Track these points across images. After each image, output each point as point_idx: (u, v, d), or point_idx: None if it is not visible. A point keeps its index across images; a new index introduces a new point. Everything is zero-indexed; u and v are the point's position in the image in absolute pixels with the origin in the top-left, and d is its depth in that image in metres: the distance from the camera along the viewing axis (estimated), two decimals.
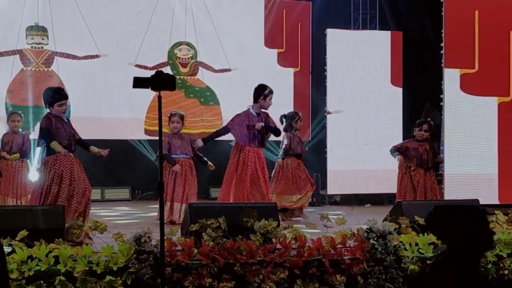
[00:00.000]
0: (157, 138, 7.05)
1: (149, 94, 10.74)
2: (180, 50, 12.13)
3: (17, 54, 11.32)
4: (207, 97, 12.23)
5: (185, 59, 12.17)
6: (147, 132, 11.68)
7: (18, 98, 11.29)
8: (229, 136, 8.53)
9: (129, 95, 11.02)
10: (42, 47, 11.42)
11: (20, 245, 4.42)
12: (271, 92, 8.00)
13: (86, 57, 11.51)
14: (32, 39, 11.38)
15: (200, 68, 12.21)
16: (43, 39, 11.41)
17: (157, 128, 4.74)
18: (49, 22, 11.35)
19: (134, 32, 11.71)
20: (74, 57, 11.50)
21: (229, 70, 12.17)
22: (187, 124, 11.99)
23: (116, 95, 11.43)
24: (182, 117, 8.47)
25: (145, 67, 11.64)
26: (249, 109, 8.14)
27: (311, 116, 12.54)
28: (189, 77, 12.15)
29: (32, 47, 11.39)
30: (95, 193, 11.75)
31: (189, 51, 12.16)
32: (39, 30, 11.38)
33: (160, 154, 4.20)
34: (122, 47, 11.65)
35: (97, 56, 11.52)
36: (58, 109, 6.47)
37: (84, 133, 11.23)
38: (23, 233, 4.52)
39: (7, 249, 4.34)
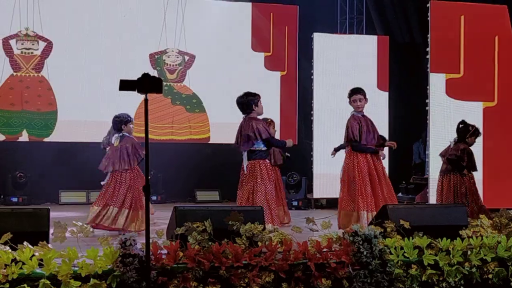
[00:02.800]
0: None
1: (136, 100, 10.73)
2: (168, 57, 12.11)
3: (7, 58, 11.28)
4: (193, 104, 12.22)
5: (173, 65, 12.15)
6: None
7: (7, 103, 11.24)
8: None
9: (119, 99, 10.98)
10: (32, 53, 11.38)
11: (3, 248, 4.39)
12: (259, 96, 7.88)
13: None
14: (22, 44, 11.33)
15: (187, 74, 12.18)
16: (33, 44, 11.37)
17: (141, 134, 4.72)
18: (39, 27, 11.31)
19: (123, 37, 11.67)
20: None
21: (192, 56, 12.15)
22: (174, 130, 12.02)
23: (106, 99, 11.34)
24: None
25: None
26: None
27: (298, 120, 12.57)
28: (176, 84, 12.14)
29: (22, 52, 11.34)
30: (81, 196, 11.76)
31: (177, 57, 12.14)
32: (28, 35, 11.34)
33: (146, 158, 4.18)
34: (110, 54, 11.60)
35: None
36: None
37: (72, 137, 11.33)
38: (6, 236, 4.48)
39: None
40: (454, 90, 9.88)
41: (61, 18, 11.46)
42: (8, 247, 4.41)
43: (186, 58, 12.16)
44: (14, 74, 11.35)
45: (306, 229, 5.28)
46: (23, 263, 4.33)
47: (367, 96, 7.78)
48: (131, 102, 11.02)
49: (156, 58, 12.04)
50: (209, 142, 12.23)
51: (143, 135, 4.09)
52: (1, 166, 11.41)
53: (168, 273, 4.52)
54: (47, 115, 11.45)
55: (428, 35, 9.94)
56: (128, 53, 11.66)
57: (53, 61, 11.50)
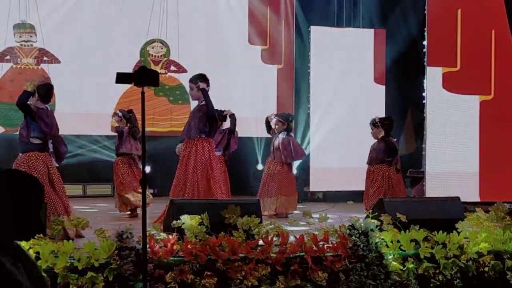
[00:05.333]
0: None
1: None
2: (152, 48, 12.04)
3: (7, 54, 11.25)
4: (177, 95, 12.15)
5: (157, 56, 12.09)
6: (113, 129, 11.57)
7: (6, 95, 11.22)
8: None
9: (115, 91, 10.96)
10: (31, 45, 11.35)
11: None
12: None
13: (48, 62, 11.42)
14: (20, 37, 11.31)
15: (181, 67, 12.14)
16: (31, 36, 11.34)
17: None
18: (37, 18, 11.28)
19: (112, 29, 11.62)
20: (55, 60, 11.44)
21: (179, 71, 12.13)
22: (155, 122, 11.97)
23: (104, 91, 11.25)
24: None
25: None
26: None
27: (294, 113, 12.56)
28: (161, 75, 12.07)
29: (21, 44, 11.32)
30: (77, 189, 11.76)
31: (161, 48, 12.07)
32: (26, 27, 11.30)
33: (142, 151, 4.18)
34: (101, 46, 11.53)
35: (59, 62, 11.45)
36: None
37: (71, 129, 11.31)
38: None
39: None
40: (451, 84, 9.88)
41: (56, 11, 11.40)
42: None
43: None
44: (14, 66, 11.33)
45: (303, 222, 5.29)
46: None
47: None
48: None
49: (140, 49, 11.97)
50: None
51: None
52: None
53: (165, 266, 4.53)
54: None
55: (425, 29, 9.93)
56: (123, 44, 11.60)
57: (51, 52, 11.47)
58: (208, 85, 7.10)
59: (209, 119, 7.00)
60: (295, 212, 8.89)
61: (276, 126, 9.17)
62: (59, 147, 6.48)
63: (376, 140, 8.20)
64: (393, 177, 8.02)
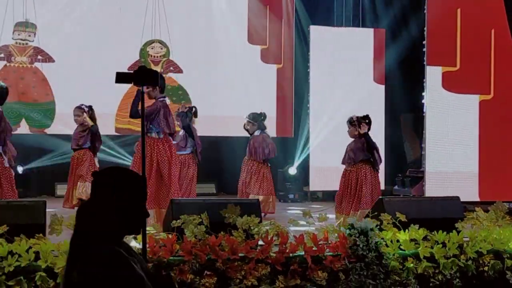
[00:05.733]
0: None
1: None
2: (152, 48, 12.01)
3: (2, 52, 11.22)
4: (179, 95, 12.13)
5: (157, 57, 12.06)
6: (117, 130, 11.55)
7: None
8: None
9: (113, 90, 10.93)
10: (26, 43, 11.32)
11: (0, 241, 4.38)
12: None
13: (42, 60, 11.41)
14: (18, 35, 11.28)
15: (180, 67, 12.12)
16: (29, 35, 11.31)
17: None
18: (33, 17, 11.26)
19: (110, 29, 11.60)
20: (50, 59, 11.43)
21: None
22: None
23: (99, 90, 11.23)
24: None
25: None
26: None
27: (294, 113, 12.56)
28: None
29: (16, 43, 11.29)
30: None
31: (161, 49, 12.05)
32: (28, 26, 11.28)
33: (142, 151, 4.18)
34: (100, 44, 11.51)
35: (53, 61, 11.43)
36: None
37: (70, 129, 11.28)
38: (3, 228, 4.48)
39: None
40: (450, 83, 9.87)
41: (54, 9, 11.37)
42: (4, 240, 4.41)
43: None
44: (8, 64, 11.28)
45: (303, 222, 5.29)
46: (20, 256, 4.33)
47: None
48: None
49: (140, 50, 11.97)
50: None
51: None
52: None
53: (165, 266, 4.53)
54: (45, 105, 11.40)
55: (425, 28, 9.93)
56: (121, 44, 11.59)
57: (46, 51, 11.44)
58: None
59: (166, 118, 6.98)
60: (272, 214, 8.82)
61: (248, 127, 9.25)
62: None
63: (352, 140, 7.97)
64: (369, 177, 7.70)
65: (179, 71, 12.06)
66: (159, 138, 6.95)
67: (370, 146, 7.66)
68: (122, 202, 2.22)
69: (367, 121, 7.85)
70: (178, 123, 8.66)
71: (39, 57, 11.39)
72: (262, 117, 9.36)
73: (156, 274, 3.37)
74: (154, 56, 12.05)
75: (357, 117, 7.84)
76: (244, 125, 9.39)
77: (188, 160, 8.67)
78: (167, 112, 7.03)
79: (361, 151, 7.70)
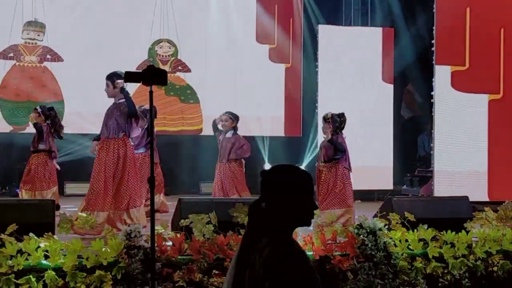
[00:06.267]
0: None
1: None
2: (160, 47, 12.05)
3: (11, 52, 11.28)
4: (187, 95, 12.15)
5: (166, 56, 12.09)
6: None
7: (12, 93, 11.24)
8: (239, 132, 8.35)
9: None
10: (36, 43, 11.37)
11: (9, 239, 4.40)
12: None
13: (51, 60, 11.46)
14: (27, 34, 11.33)
15: (188, 66, 12.14)
16: (38, 35, 11.36)
17: None
18: (42, 17, 11.31)
19: (119, 27, 11.63)
20: (58, 58, 11.48)
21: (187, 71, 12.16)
22: (166, 121, 11.98)
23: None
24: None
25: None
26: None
27: (302, 112, 12.55)
28: (169, 75, 12.04)
29: (26, 42, 11.34)
30: (86, 188, 11.79)
31: (170, 48, 12.08)
32: (36, 26, 11.33)
33: (151, 150, 4.19)
34: (108, 43, 11.53)
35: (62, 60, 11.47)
36: None
37: (77, 128, 11.32)
38: (12, 227, 4.50)
39: None
40: (459, 83, 9.84)
41: (62, 9, 11.42)
42: (13, 238, 4.43)
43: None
44: (17, 64, 11.34)
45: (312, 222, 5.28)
46: (29, 254, 4.35)
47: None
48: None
49: (148, 49, 12.00)
50: (202, 134, 12.07)
51: None
52: (7, 157, 11.41)
53: (173, 265, 4.53)
54: (54, 105, 11.43)
55: (433, 27, 9.90)
56: (128, 43, 11.62)
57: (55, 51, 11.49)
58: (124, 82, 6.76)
59: (130, 117, 6.76)
60: None
61: (226, 123, 8.77)
62: None
63: (325, 137, 7.88)
64: (340, 176, 7.60)
65: (188, 70, 12.08)
66: (116, 138, 6.77)
67: (334, 144, 7.56)
68: (295, 196, 2.38)
69: (341, 119, 7.78)
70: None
71: (48, 56, 11.43)
72: (238, 119, 9.11)
73: None
74: (163, 56, 12.07)
75: (332, 114, 7.76)
76: (215, 120, 8.86)
77: (144, 159, 8.46)
78: (120, 115, 6.77)
79: (332, 149, 7.62)
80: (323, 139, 8.09)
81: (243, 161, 8.80)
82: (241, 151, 8.71)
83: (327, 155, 7.63)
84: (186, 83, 12.11)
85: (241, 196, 8.61)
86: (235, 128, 8.76)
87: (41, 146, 8.62)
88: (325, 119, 7.78)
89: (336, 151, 7.60)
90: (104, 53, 11.38)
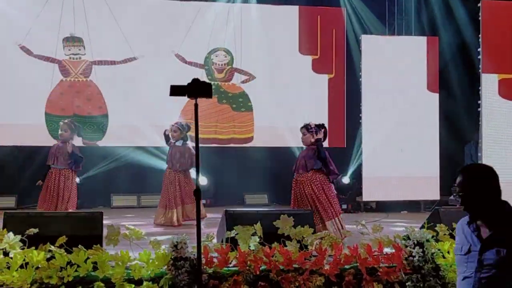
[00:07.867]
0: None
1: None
2: (216, 56, 12.23)
3: (56, 63, 11.52)
4: (239, 103, 12.27)
5: (221, 65, 12.26)
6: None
7: (58, 108, 11.48)
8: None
9: (166, 100, 11.07)
10: (80, 58, 11.62)
11: (59, 251, 4.49)
12: None
13: (124, 61, 11.67)
14: (69, 50, 11.58)
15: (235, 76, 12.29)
16: (80, 49, 11.61)
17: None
18: (86, 31, 11.53)
19: (172, 37, 11.82)
20: (112, 62, 11.68)
21: (249, 79, 12.25)
22: (218, 129, 12.11)
23: (157, 103, 11.31)
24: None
25: (183, 60, 11.87)
26: None
27: (346, 122, 12.49)
28: (223, 83, 12.23)
29: (70, 58, 11.60)
30: (132, 200, 11.97)
31: (225, 57, 12.25)
32: (75, 41, 11.58)
33: (196, 162, 4.21)
34: (159, 52, 11.75)
35: (135, 59, 11.67)
36: None
37: (123, 141, 11.49)
38: (62, 239, 4.58)
39: (47, 255, 4.42)
40: (506, 91, 9.68)
41: (107, 19, 11.64)
42: (63, 250, 4.51)
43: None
44: (64, 79, 11.60)
45: (357, 233, 5.25)
46: (78, 266, 4.42)
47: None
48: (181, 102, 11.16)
49: (205, 57, 12.17)
50: (252, 142, 12.21)
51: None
52: None
53: (219, 277, 4.55)
54: (98, 118, 11.66)
55: (479, 35, 9.77)
56: (188, 54, 11.84)
57: (101, 67, 11.72)
58: None
59: None
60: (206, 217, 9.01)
61: (175, 134, 9.21)
62: None
63: (306, 147, 7.73)
64: (320, 186, 7.40)
65: (249, 75, 12.25)
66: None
67: (320, 154, 7.44)
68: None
69: (323, 130, 7.68)
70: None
71: (93, 70, 11.67)
72: (188, 128, 9.31)
73: None
74: (218, 64, 12.23)
75: (315, 124, 7.67)
76: (166, 131, 9.35)
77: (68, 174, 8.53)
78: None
79: (313, 159, 7.49)
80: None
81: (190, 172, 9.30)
82: (191, 161, 9.14)
83: (308, 165, 7.48)
84: (241, 90, 12.27)
85: (192, 204, 8.85)
86: (184, 138, 9.27)
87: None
88: (308, 129, 7.65)
89: (319, 159, 7.46)
90: (151, 65, 11.58)
